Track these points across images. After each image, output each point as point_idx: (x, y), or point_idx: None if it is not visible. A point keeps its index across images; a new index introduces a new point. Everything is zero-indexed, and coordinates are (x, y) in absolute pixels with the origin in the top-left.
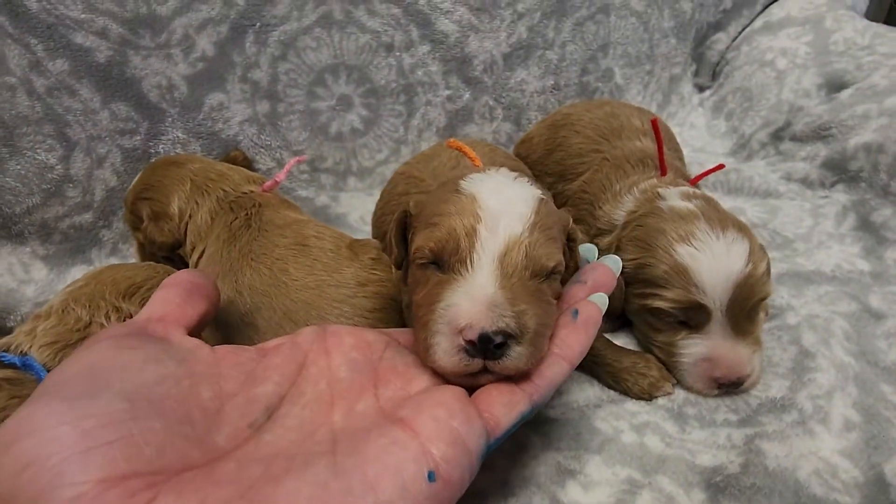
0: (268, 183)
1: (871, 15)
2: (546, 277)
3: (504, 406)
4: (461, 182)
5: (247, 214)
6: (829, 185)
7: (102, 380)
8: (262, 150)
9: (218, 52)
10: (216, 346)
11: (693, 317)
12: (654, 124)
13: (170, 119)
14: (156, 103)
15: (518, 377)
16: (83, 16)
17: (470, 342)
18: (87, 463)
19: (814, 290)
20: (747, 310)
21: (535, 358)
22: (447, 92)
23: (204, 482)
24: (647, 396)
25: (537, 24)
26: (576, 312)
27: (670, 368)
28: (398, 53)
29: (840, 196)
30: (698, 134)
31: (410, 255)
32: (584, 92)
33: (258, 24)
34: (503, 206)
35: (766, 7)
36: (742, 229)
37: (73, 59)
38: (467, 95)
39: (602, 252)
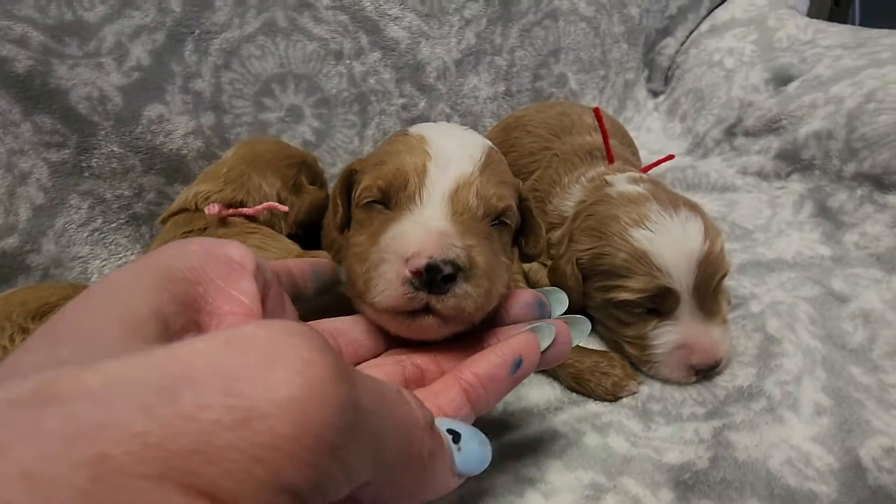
0: (216, 208)
1: (812, 16)
2: (497, 222)
3: None
4: (409, 128)
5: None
6: (785, 176)
7: None
8: (210, 164)
9: (154, 60)
10: None
11: (661, 303)
12: (597, 113)
13: (103, 132)
14: (86, 115)
15: (460, 333)
16: None
17: (416, 272)
18: None
19: (776, 277)
20: (712, 288)
21: (482, 303)
22: (402, 100)
23: None
24: (612, 397)
25: (484, 30)
26: (519, 363)
27: (643, 362)
28: (348, 61)
29: (796, 185)
30: (655, 137)
31: (354, 201)
32: (538, 97)
33: (197, 31)
34: (453, 148)
35: (710, 11)
36: (693, 207)
37: None
38: (423, 103)
39: (554, 245)
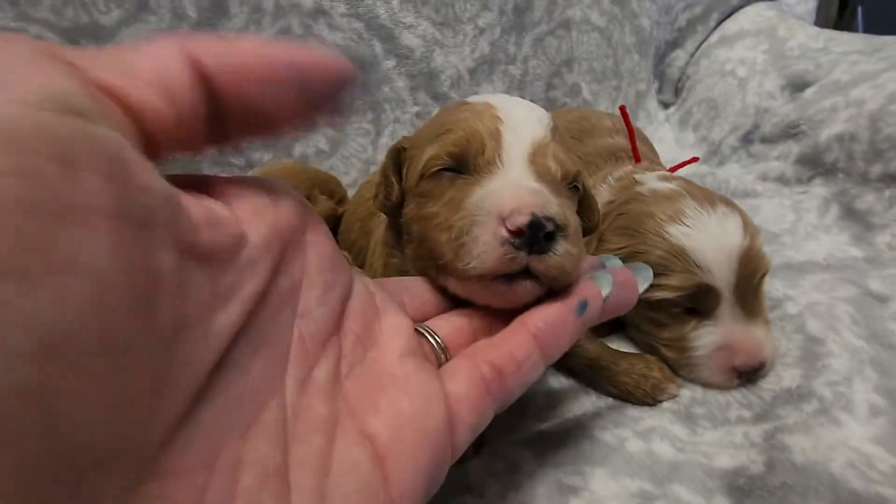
0: None
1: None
2: (571, 186)
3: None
4: (469, 98)
5: None
6: (807, 181)
7: None
8: (224, 170)
9: None
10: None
11: (701, 302)
12: (623, 111)
13: None
14: None
15: (554, 292)
16: (14, 24)
17: (517, 231)
18: None
19: (809, 279)
20: (754, 286)
21: (578, 263)
22: (416, 108)
23: None
24: (651, 400)
25: (498, 39)
26: (584, 305)
27: (682, 365)
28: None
29: (819, 189)
30: (668, 147)
31: (418, 172)
32: (551, 107)
33: None
34: (522, 113)
35: (719, 23)
36: (730, 203)
37: None
38: (437, 111)
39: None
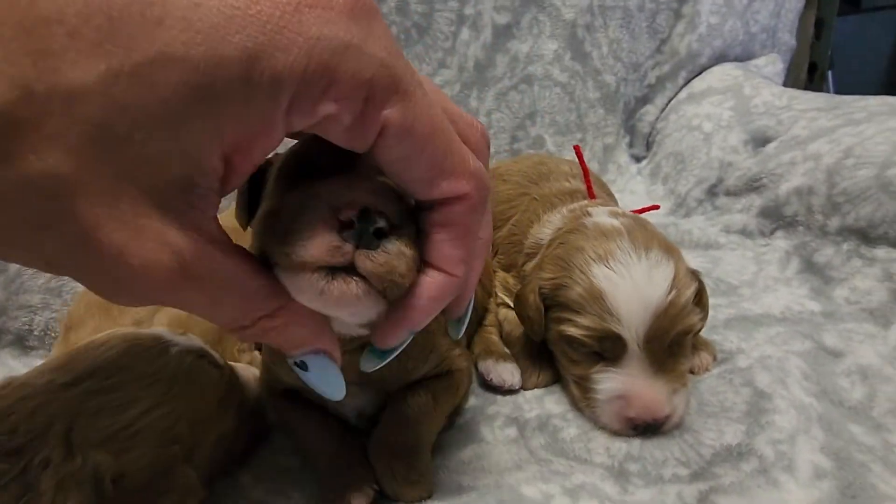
0: None
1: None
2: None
3: None
4: None
5: None
6: (769, 233)
7: None
8: None
9: None
10: None
11: (607, 348)
12: (577, 150)
13: None
14: None
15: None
16: None
17: (346, 221)
18: None
19: (764, 332)
20: (668, 343)
21: (412, 267)
22: None
23: None
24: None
25: (457, 94)
26: None
27: (584, 405)
28: None
29: (780, 242)
30: (639, 199)
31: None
32: None
33: None
34: None
35: (688, 81)
36: (669, 250)
37: None
38: None
39: (526, 275)
